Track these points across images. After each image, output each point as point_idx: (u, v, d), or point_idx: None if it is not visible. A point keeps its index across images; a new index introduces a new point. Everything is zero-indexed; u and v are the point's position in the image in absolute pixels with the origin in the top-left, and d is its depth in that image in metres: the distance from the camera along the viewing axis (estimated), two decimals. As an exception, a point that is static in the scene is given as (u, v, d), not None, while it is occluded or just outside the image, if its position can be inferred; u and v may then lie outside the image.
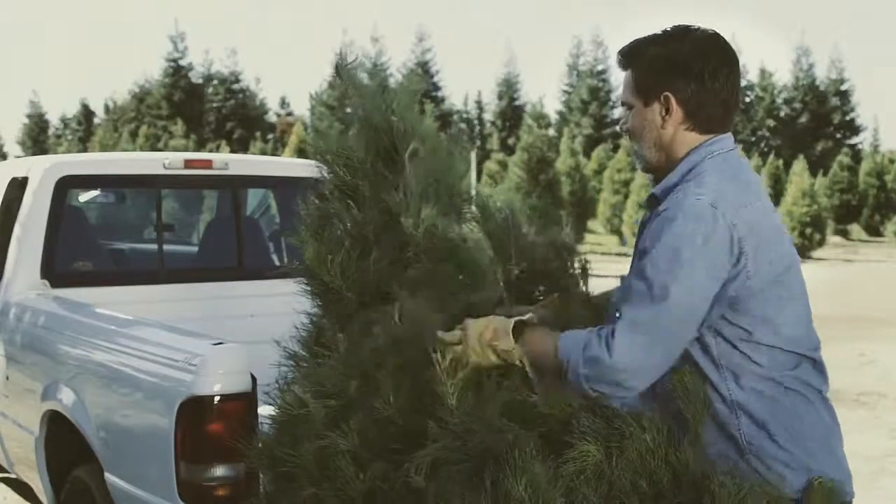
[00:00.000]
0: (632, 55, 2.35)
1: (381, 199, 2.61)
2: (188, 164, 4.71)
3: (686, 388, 2.16)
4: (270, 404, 2.69)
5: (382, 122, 2.62)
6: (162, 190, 4.89)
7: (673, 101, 2.27)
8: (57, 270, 4.33)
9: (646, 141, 2.33)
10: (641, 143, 2.34)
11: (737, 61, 2.32)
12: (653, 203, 2.32)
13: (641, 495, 2.13)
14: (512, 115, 56.14)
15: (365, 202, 2.62)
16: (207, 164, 4.81)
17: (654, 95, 2.29)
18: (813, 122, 53.91)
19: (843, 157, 39.89)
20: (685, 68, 2.26)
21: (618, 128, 2.44)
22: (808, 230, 27.70)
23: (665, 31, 2.34)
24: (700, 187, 2.20)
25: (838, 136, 54.64)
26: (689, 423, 2.16)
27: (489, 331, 2.26)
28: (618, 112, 55.37)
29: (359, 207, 2.63)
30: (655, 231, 2.17)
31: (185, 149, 37.85)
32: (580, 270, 2.64)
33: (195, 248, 5.83)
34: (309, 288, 2.70)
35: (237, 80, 57.80)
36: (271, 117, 58.81)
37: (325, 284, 2.62)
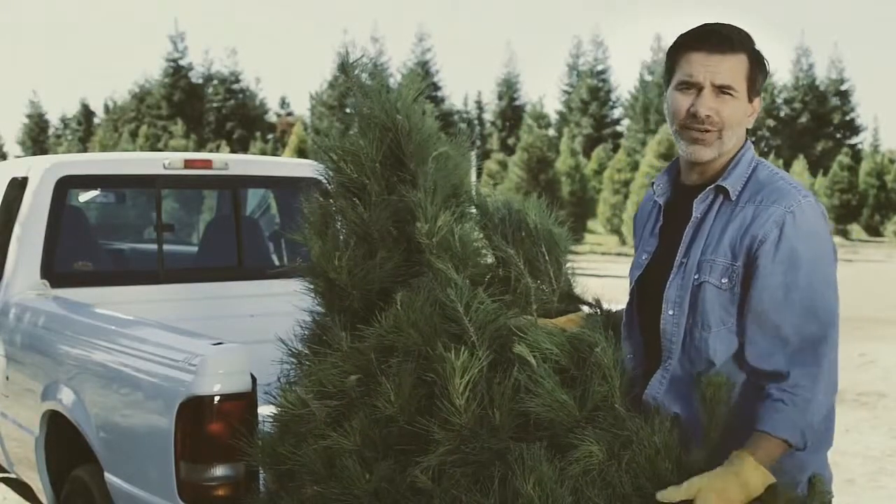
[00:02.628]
0: (747, 43, 2.30)
1: (391, 198, 2.60)
2: (188, 164, 4.71)
3: (708, 395, 2.16)
4: (271, 403, 2.69)
5: (388, 120, 2.61)
6: (162, 190, 4.89)
7: (760, 101, 2.34)
8: (57, 270, 4.33)
9: (735, 132, 2.30)
10: (730, 132, 2.28)
11: None
12: (719, 192, 2.29)
13: (646, 497, 2.13)
14: (512, 115, 56.14)
15: (371, 201, 2.61)
16: (207, 164, 4.80)
17: (755, 93, 2.32)
18: (813, 122, 53.91)
19: (843, 157, 39.89)
20: (766, 74, 2.34)
21: (700, 110, 2.24)
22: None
23: (742, 29, 2.32)
24: (793, 184, 2.26)
25: (838, 136, 54.65)
26: (706, 427, 2.17)
27: (737, 488, 2.06)
28: (620, 114, 55.48)
29: (365, 206, 2.62)
30: (788, 236, 2.17)
31: (185, 149, 37.84)
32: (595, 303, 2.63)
33: (195, 248, 5.82)
34: (312, 286, 2.70)
35: (237, 80, 57.80)
36: (271, 117, 58.82)
37: (330, 282, 2.62)
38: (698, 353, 2.26)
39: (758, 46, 2.33)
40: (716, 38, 2.26)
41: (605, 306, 2.61)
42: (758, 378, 2.18)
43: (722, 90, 2.25)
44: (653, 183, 2.47)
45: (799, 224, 2.18)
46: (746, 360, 2.21)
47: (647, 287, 2.39)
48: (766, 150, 49.39)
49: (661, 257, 2.37)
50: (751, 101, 2.30)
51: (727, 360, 2.24)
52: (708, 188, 2.30)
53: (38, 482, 3.97)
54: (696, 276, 2.25)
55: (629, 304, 2.47)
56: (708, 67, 2.25)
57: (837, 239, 36.71)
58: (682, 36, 2.33)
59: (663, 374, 2.31)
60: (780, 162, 37.29)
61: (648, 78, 54.66)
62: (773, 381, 2.14)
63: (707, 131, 2.26)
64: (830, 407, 2.20)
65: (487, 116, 59.19)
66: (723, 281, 2.22)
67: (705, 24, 2.32)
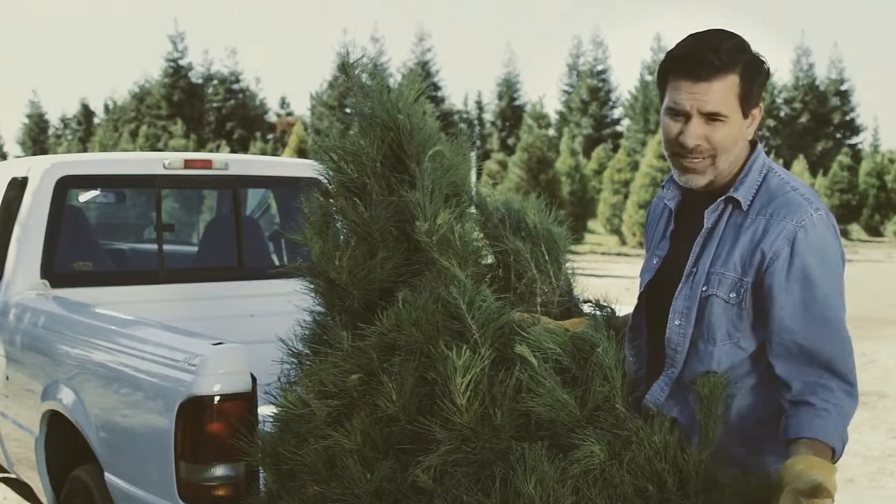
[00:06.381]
0: (737, 58, 2.17)
1: (391, 197, 2.60)
2: (188, 164, 4.71)
3: (705, 394, 2.16)
4: (272, 403, 2.69)
5: (389, 120, 2.61)
6: (162, 190, 4.89)
7: (760, 109, 2.26)
8: (57, 270, 4.33)
9: (729, 154, 2.22)
10: (723, 156, 2.21)
11: None
12: (730, 202, 2.25)
13: (646, 497, 2.13)
14: (512, 115, 56.13)
15: (372, 200, 2.61)
16: (207, 164, 4.80)
17: (753, 105, 2.23)
18: (813, 122, 53.90)
19: (843, 157, 39.86)
20: (766, 76, 2.25)
21: (688, 141, 2.17)
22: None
23: (731, 32, 2.22)
24: (805, 196, 2.21)
25: (838, 136, 54.63)
26: (704, 426, 2.16)
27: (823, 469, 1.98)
28: (620, 114, 55.42)
29: (366, 206, 2.62)
30: (799, 252, 2.13)
31: (185, 149, 37.87)
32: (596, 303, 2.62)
33: (195, 248, 5.82)
34: (313, 286, 2.70)
35: (237, 80, 57.79)
36: (271, 117, 58.81)
37: (330, 282, 2.62)
38: (701, 364, 2.24)
39: (754, 49, 2.23)
40: (701, 64, 2.15)
41: (608, 306, 2.60)
42: (788, 391, 2.16)
43: (710, 117, 2.18)
44: (663, 185, 2.44)
45: (810, 240, 2.15)
46: (777, 376, 2.18)
47: (656, 291, 2.37)
48: (766, 150, 49.11)
49: (671, 263, 2.34)
50: (746, 116, 2.22)
51: (729, 371, 2.22)
52: (719, 199, 2.26)
53: (38, 482, 3.97)
54: (704, 289, 2.23)
55: (637, 307, 2.45)
56: (695, 95, 2.16)
57: (837, 239, 36.50)
58: (669, 55, 2.24)
59: (665, 381, 2.30)
60: (781, 162, 37.29)
61: (648, 78, 54.63)
62: (809, 393, 2.12)
63: (701, 159, 2.21)
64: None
65: (487, 116, 59.19)
66: (731, 295, 2.20)
67: (692, 42, 2.21)
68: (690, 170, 2.24)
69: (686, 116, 2.19)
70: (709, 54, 2.16)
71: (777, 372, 2.18)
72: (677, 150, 2.23)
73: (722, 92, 2.17)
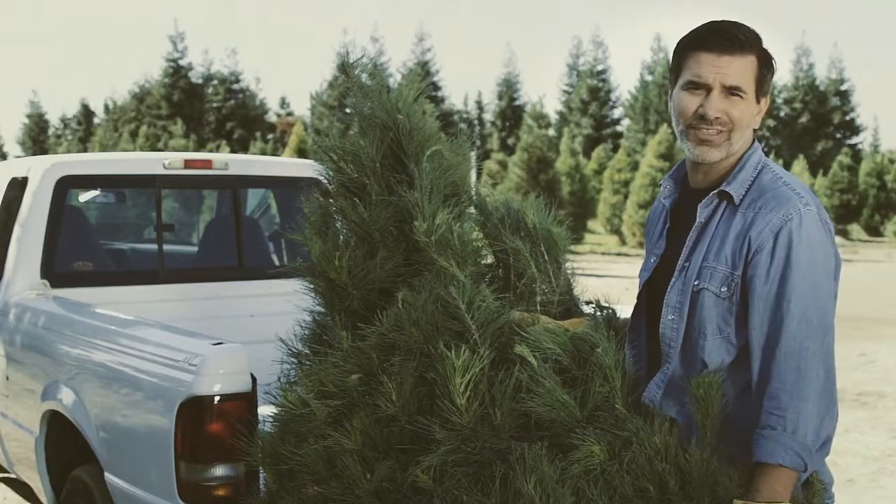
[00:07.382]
0: (756, 43, 2.25)
1: (391, 198, 2.60)
2: (188, 164, 4.71)
3: (700, 395, 2.15)
4: (271, 403, 2.69)
5: (388, 120, 2.61)
6: (162, 190, 4.89)
7: (767, 101, 2.30)
8: (57, 270, 4.33)
9: (743, 133, 2.26)
10: (738, 133, 2.25)
11: None
12: (723, 197, 2.26)
13: (647, 498, 2.13)
14: (512, 115, 56.15)
15: (372, 201, 2.61)
16: (207, 164, 4.80)
17: (763, 93, 2.28)
18: (813, 122, 53.91)
19: (843, 157, 39.89)
20: (773, 72, 2.30)
21: (709, 113, 2.21)
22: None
23: (751, 27, 2.28)
24: (796, 191, 2.20)
25: (838, 136, 54.65)
26: (701, 426, 2.16)
27: None
28: (620, 114, 55.44)
29: (365, 206, 2.62)
30: (782, 245, 2.13)
31: (185, 149, 37.88)
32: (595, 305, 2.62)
33: (195, 248, 5.82)
34: (313, 286, 2.70)
35: (237, 80, 57.82)
36: (271, 117, 58.85)
37: (330, 282, 2.62)
38: (695, 358, 2.24)
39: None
40: (726, 38, 2.22)
41: (608, 306, 2.60)
42: (758, 397, 2.15)
43: (731, 91, 2.22)
44: (661, 184, 2.45)
45: (795, 234, 2.13)
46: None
47: (654, 290, 2.37)
48: (766, 150, 49.05)
49: (667, 261, 2.35)
50: (758, 101, 2.27)
51: (722, 368, 2.20)
52: (712, 193, 2.26)
53: (38, 482, 3.97)
54: (696, 283, 2.23)
55: (636, 307, 2.45)
56: (718, 68, 2.21)
57: (837, 239, 36.22)
58: (689, 34, 2.29)
59: (661, 377, 2.30)
60: (781, 162, 37.31)
61: (648, 78, 54.63)
62: (765, 399, 2.12)
63: (718, 132, 2.23)
64: (830, 419, 2.13)
65: (487, 116, 59.19)
66: (722, 289, 2.20)
67: (714, 23, 2.28)
68: (706, 141, 2.25)
69: (707, 89, 2.23)
70: (733, 30, 2.23)
71: (752, 369, 2.17)
72: (695, 123, 2.25)
73: (742, 68, 2.22)
